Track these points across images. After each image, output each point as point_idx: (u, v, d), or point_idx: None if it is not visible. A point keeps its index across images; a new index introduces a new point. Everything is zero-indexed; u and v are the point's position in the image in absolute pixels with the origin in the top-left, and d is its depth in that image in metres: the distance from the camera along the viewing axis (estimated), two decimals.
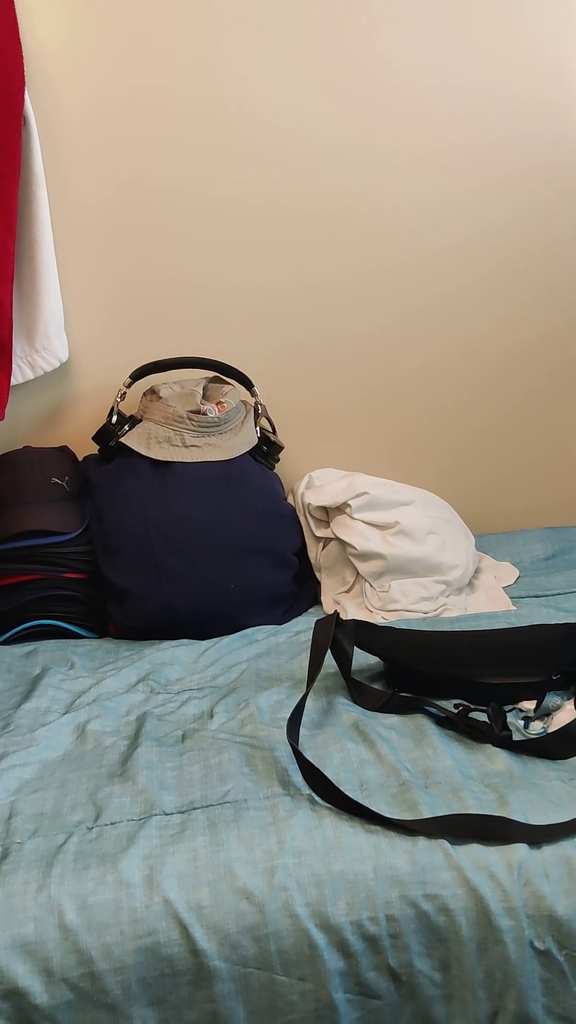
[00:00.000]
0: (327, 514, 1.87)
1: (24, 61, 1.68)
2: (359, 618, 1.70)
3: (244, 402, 1.89)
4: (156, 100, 1.79)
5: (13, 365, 1.80)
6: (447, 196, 1.92)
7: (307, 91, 1.82)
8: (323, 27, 1.79)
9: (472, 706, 1.33)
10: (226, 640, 1.68)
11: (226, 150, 1.84)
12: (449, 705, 1.36)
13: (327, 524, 1.86)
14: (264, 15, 1.77)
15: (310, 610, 1.84)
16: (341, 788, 1.14)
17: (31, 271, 1.77)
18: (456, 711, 1.33)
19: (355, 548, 1.78)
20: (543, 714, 1.35)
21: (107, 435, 1.81)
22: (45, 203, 1.75)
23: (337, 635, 1.43)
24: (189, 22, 1.76)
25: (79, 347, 1.90)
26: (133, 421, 1.83)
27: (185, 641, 1.69)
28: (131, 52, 1.76)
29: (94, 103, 1.78)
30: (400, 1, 1.79)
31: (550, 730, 1.31)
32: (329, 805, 1.14)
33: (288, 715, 1.29)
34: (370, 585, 1.80)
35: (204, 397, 1.84)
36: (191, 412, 1.78)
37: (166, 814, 1.16)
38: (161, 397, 1.81)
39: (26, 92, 1.69)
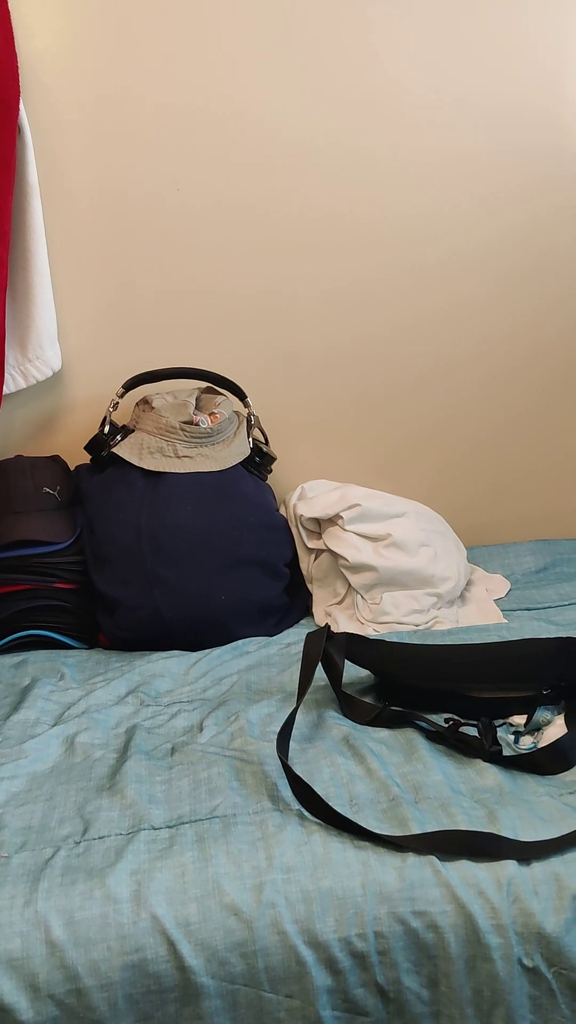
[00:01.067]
0: (319, 526, 1.86)
1: (20, 71, 1.68)
2: (350, 630, 1.70)
3: (237, 413, 1.89)
4: (152, 111, 1.80)
5: (6, 374, 1.80)
6: (444, 207, 1.92)
7: (304, 100, 1.82)
8: (323, 36, 1.79)
9: (462, 720, 1.33)
10: (217, 652, 1.68)
11: (220, 160, 1.84)
12: (440, 719, 1.36)
13: (319, 536, 1.86)
14: (263, 24, 1.78)
15: (301, 622, 1.83)
16: (331, 803, 1.14)
17: (24, 280, 1.77)
18: (446, 725, 1.33)
19: (347, 560, 1.78)
20: (533, 729, 1.35)
21: (99, 445, 1.81)
22: (39, 213, 1.75)
23: (328, 648, 1.43)
24: (187, 33, 1.76)
25: (72, 357, 1.90)
26: (125, 431, 1.82)
27: (175, 652, 1.68)
28: (127, 62, 1.76)
29: (89, 114, 1.78)
30: (402, 12, 1.80)
31: (540, 745, 1.31)
32: (318, 820, 1.14)
33: (278, 728, 1.28)
34: (361, 597, 1.79)
35: (197, 408, 1.84)
36: (184, 423, 1.78)
37: (154, 829, 1.15)
38: (154, 407, 1.81)
39: (21, 102, 1.69)
